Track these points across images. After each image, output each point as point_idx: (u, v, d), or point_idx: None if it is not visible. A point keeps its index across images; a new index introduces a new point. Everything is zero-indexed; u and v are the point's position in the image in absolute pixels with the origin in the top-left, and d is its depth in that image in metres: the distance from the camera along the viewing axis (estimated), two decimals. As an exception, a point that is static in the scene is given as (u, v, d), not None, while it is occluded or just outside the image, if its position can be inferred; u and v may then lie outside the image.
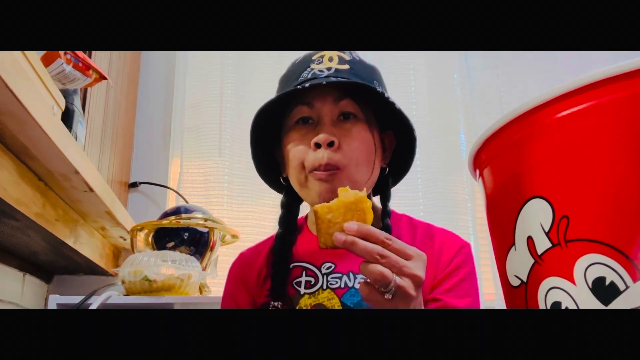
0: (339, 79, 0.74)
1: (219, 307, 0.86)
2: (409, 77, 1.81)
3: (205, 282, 1.30)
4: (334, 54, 0.78)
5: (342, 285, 0.74)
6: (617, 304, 0.54)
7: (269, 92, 0.84)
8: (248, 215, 1.63)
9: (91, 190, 0.98)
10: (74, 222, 1.12)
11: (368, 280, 0.57)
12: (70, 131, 0.98)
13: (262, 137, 0.82)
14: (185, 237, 1.28)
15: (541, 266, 0.62)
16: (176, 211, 1.32)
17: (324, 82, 0.73)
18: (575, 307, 0.57)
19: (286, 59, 0.86)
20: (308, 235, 0.82)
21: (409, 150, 0.82)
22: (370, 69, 0.80)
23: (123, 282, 1.13)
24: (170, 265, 1.13)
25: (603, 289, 0.55)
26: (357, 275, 0.74)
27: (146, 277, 1.10)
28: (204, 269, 1.29)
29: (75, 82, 1.02)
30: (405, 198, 1.65)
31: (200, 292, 1.28)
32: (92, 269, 1.42)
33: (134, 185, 1.69)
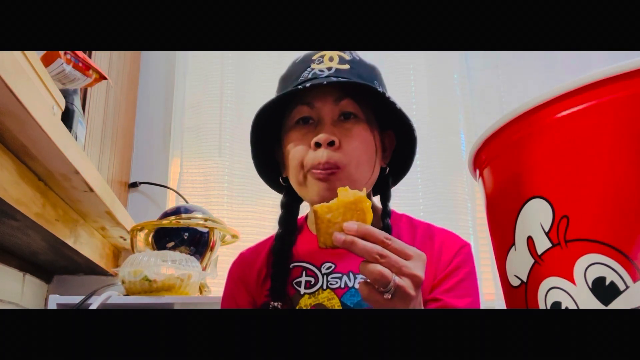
0: (340, 79, 0.74)
1: (219, 307, 0.86)
2: (409, 77, 1.81)
3: (205, 282, 1.30)
4: (335, 54, 0.78)
5: (342, 285, 0.74)
6: (617, 304, 0.54)
7: (269, 92, 0.84)
8: (248, 215, 1.63)
9: (91, 190, 0.98)
10: (74, 222, 1.12)
11: (368, 280, 0.58)
12: (70, 131, 0.98)
13: (262, 137, 0.82)
14: (185, 237, 1.28)
15: (541, 266, 0.62)
16: (176, 211, 1.32)
17: (325, 82, 0.73)
18: (575, 307, 0.57)
19: (286, 59, 0.86)
20: (308, 235, 0.82)
21: (409, 150, 0.82)
22: (370, 69, 0.80)
23: (123, 282, 1.13)
24: (170, 265, 1.13)
25: (603, 289, 0.55)
26: (357, 275, 0.74)
27: (146, 277, 1.10)
28: (204, 269, 1.29)
29: (75, 82, 1.02)
30: (405, 198, 1.65)
31: (200, 292, 1.28)
32: (92, 269, 1.42)
33: (134, 185, 1.69)
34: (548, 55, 1.84)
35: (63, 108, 0.87)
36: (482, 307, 0.79)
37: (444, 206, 1.66)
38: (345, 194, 0.60)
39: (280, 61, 1.68)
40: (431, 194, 1.68)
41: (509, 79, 1.86)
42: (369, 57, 0.83)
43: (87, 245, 1.23)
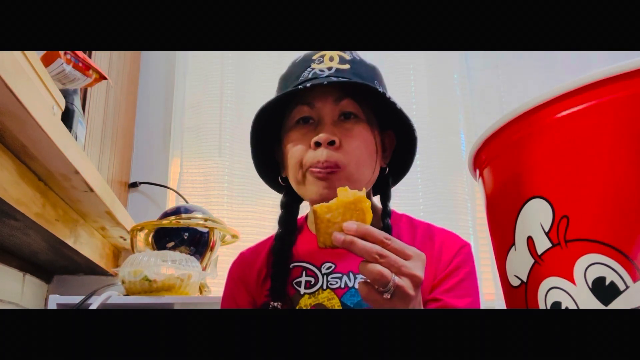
0: (340, 78, 0.74)
1: (219, 307, 0.86)
2: (409, 77, 1.81)
3: (205, 282, 1.30)
4: (335, 54, 0.78)
5: (342, 286, 0.74)
6: (617, 304, 0.54)
7: (269, 92, 0.84)
8: (248, 215, 1.63)
9: (91, 190, 0.98)
10: (74, 222, 1.12)
11: (367, 279, 0.58)
12: (70, 131, 0.98)
13: (262, 137, 0.82)
14: (185, 237, 1.28)
15: (541, 266, 0.62)
16: (176, 211, 1.32)
17: (325, 82, 0.73)
18: (575, 307, 0.57)
19: (286, 59, 0.86)
20: (308, 235, 0.82)
21: (409, 150, 0.82)
22: (370, 69, 0.80)
23: (123, 282, 1.13)
24: (170, 265, 1.13)
25: (603, 289, 0.55)
26: (357, 276, 0.74)
27: (146, 277, 1.10)
28: (204, 269, 1.29)
29: (75, 82, 1.02)
30: (405, 198, 1.65)
31: (200, 292, 1.28)
32: (92, 269, 1.42)
33: (134, 185, 1.69)
34: (548, 55, 1.84)
35: (63, 108, 0.87)
36: (482, 307, 0.79)
37: (444, 206, 1.66)
38: (345, 193, 0.60)
39: (280, 61, 1.68)
40: (431, 194, 1.68)
41: (509, 79, 1.86)
42: (369, 57, 0.83)
43: (87, 245, 1.23)
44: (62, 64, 0.97)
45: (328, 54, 0.78)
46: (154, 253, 1.17)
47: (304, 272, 0.77)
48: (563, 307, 0.58)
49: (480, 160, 0.74)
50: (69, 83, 1.01)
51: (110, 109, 1.49)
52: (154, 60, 1.84)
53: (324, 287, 0.75)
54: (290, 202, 0.84)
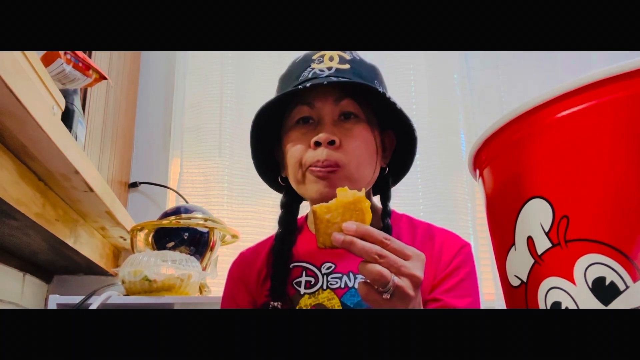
0: (340, 78, 0.74)
1: (219, 307, 0.86)
2: (409, 77, 1.81)
3: (205, 282, 1.30)
4: (335, 54, 0.78)
5: (342, 286, 0.74)
6: (617, 304, 0.54)
7: (269, 92, 0.84)
8: (248, 215, 1.63)
9: (91, 190, 0.98)
10: (74, 222, 1.12)
11: (367, 280, 0.58)
12: (70, 131, 0.98)
13: (262, 137, 0.82)
14: (185, 237, 1.28)
15: (541, 266, 0.62)
16: (176, 211, 1.32)
17: (325, 82, 0.73)
18: (575, 307, 0.57)
19: (286, 59, 0.86)
20: (308, 235, 0.82)
21: (409, 150, 0.82)
22: (370, 69, 0.80)
23: (123, 282, 1.13)
24: (170, 265, 1.13)
25: (603, 289, 0.55)
26: (357, 276, 0.74)
27: (146, 277, 1.10)
28: (204, 269, 1.29)
29: (75, 82, 1.02)
30: (405, 198, 1.65)
31: (200, 292, 1.28)
32: (92, 269, 1.42)
33: (134, 185, 1.69)
34: (548, 55, 1.84)
35: (63, 108, 0.87)
36: (482, 307, 0.79)
37: (444, 206, 1.66)
38: (345, 194, 0.60)
39: (280, 61, 1.68)
40: (431, 194, 1.68)
41: (509, 79, 1.86)
42: (369, 57, 0.83)
43: (87, 245, 1.23)
44: (62, 64, 0.97)
45: (328, 53, 0.78)
46: (154, 253, 1.17)
47: (304, 272, 0.77)
48: (563, 307, 0.58)
49: (480, 160, 0.74)
50: (69, 83, 1.01)
51: (110, 109, 1.49)
52: (154, 60, 1.84)
53: (324, 287, 0.75)
54: (290, 202, 0.84)
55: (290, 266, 0.78)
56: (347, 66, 0.77)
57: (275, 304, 0.74)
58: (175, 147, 1.73)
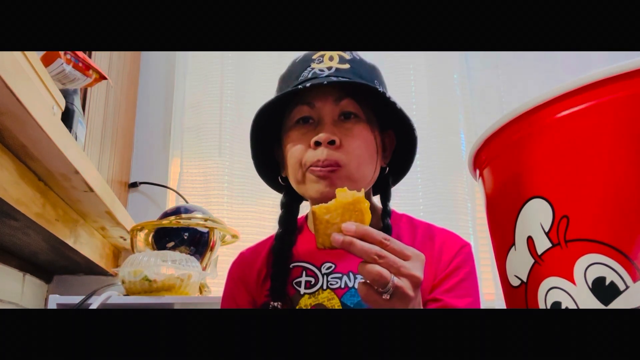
0: (340, 78, 0.74)
1: (219, 307, 0.86)
2: (409, 77, 1.81)
3: (205, 282, 1.30)
4: (335, 54, 0.78)
5: (342, 286, 0.74)
6: (617, 304, 0.54)
7: (269, 92, 0.84)
8: (248, 215, 1.63)
9: (91, 190, 0.98)
10: (74, 222, 1.12)
11: (366, 280, 0.57)
12: (70, 131, 0.98)
13: (262, 137, 0.82)
14: (185, 237, 1.28)
15: (541, 266, 0.62)
16: (176, 211, 1.32)
17: (325, 82, 0.73)
18: (575, 307, 0.57)
19: (286, 59, 0.86)
20: (308, 235, 0.82)
21: (409, 150, 0.82)
22: (370, 69, 0.80)
23: (123, 282, 1.13)
24: (170, 265, 1.13)
25: (603, 289, 0.55)
26: (357, 276, 0.74)
27: (146, 277, 1.10)
28: (204, 269, 1.29)
29: (75, 82, 1.02)
30: (405, 198, 1.65)
31: (200, 292, 1.28)
32: (92, 269, 1.42)
33: (134, 185, 1.69)
34: (548, 55, 1.84)
35: (63, 108, 0.87)
36: (482, 307, 0.79)
37: (444, 206, 1.66)
38: (344, 194, 0.60)
39: (280, 61, 1.68)
40: (431, 194, 1.68)
41: (509, 79, 1.86)
42: (369, 57, 0.83)
43: (87, 245, 1.23)
44: (62, 64, 0.97)
45: (328, 53, 0.78)
46: (154, 253, 1.17)
47: (304, 272, 0.77)
48: (563, 307, 0.58)
49: (480, 160, 0.74)
50: (69, 83, 1.01)
51: (110, 109, 1.49)
52: (154, 60, 1.84)
53: (324, 287, 0.75)
54: (290, 202, 0.84)
55: (290, 266, 0.78)
56: (347, 66, 0.77)
57: (275, 304, 0.74)
58: (175, 147, 1.73)
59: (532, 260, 0.63)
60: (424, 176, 1.70)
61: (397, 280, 0.56)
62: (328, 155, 0.73)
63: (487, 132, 0.69)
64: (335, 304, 0.73)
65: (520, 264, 0.65)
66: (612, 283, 0.54)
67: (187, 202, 1.58)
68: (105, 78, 1.08)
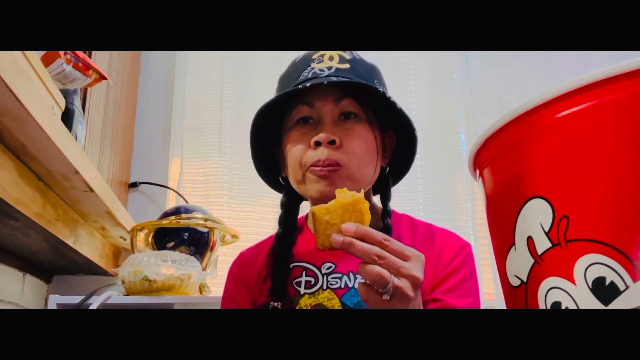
0: (340, 78, 0.74)
1: (219, 307, 0.86)
2: (409, 77, 1.81)
3: (205, 282, 1.30)
4: (335, 53, 0.78)
5: (342, 286, 0.74)
6: (617, 304, 0.54)
7: (269, 92, 0.84)
8: (248, 215, 1.63)
9: (91, 190, 0.98)
10: (74, 222, 1.12)
11: (366, 281, 0.57)
12: (70, 131, 0.98)
13: (262, 137, 0.82)
14: (185, 237, 1.28)
15: (541, 266, 0.62)
16: (176, 211, 1.32)
17: (325, 82, 0.73)
18: (575, 307, 0.57)
19: (286, 59, 0.86)
20: (308, 235, 0.82)
21: (409, 149, 0.82)
22: (370, 68, 0.80)
23: (123, 282, 1.13)
24: (170, 265, 1.13)
25: (603, 289, 0.55)
26: (357, 276, 0.74)
27: (146, 277, 1.10)
28: (204, 269, 1.29)
29: (75, 82, 1.02)
30: (405, 198, 1.65)
31: (200, 292, 1.28)
32: (92, 269, 1.42)
33: (134, 185, 1.69)
34: (548, 55, 1.84)
35: (63, 108, 0.87)
36: (482, 307, 0.79)
37: (444, 206, 1.66)
38: (344, 195, 0.60)
39: (280, 61, 1.68)
40: (431, 194, 1.68)
41: (509, 79, 1.86)
42: (369, 57, 0.83)
43: (87, 245, 1.23)
44: (62, 64, 0.97)
45: (328, 53, 0.78)
46: (154, 253, 1.17)
47: (304, 272, 0.77)
48: (563, 307, 0.58)
49: (480, 160, 0.74)
50: (69, 83, 1.01)
51: (110, 109, 1.49)
52: (154, 60, 1.84)
53: (324, 287, 0.75)
54: (290, 202, 0.84)
55: (290, 266, 0.78)
56: (347, 66, 0.77)
57: (275, 304, 0.74)
58: (175, 147, 1.73)
59: (532, 260, 0.63)
60: (424, 176, 1.70)
61: (397, 281, 0.56)
62: (328, 155, 0.72)
63: (487, 132, 0.69)
64: (335, 304, 0.73)
65: (520, 264, 0.65)
66: (612, 283, 0.54)
67: (187, 202, 1.58)
68: (105, 78, 1.08)
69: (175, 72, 1.79)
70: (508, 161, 0.68)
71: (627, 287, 0.53)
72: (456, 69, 1.81)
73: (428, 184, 1.69)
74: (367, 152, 0.75)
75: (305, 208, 0.84)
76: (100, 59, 1.38)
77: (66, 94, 0.97)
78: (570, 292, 0.58)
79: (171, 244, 1.27)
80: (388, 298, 0.56)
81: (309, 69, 0.77)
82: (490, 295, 1.60)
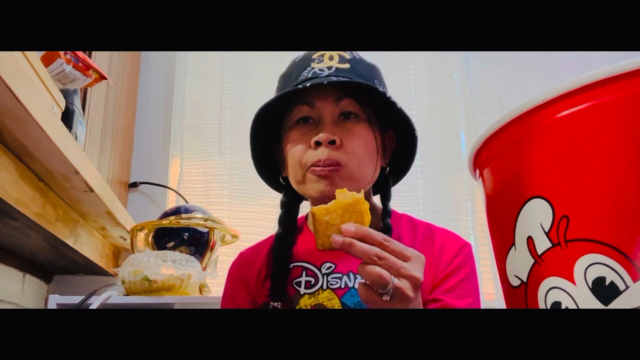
0: (340, 78, 0.74)
1: (219, 307, 0.86)
2: (409, 77, 1.81)
3: (205, 282, 1.30)
4: (335, 53, 0.78)
5: (342, 286, 0.74)
6: (617, 304, 0.54)
7: (269, 92, 0.84)
8: (248, 215, 1.63)
9: (91, 190, 0.98)
10: (74, 222, 1.12)
11: (366, 281, 0.57)
12: (70, 131, 0.98)
13: (262, 136, 0.82)
14: (185, 237, 1.28)
15: (541, 266, 0.62)
16: (176, 211, 1.32)
17: (325, 82, 0.73)
18: (575, 307, 0.57)
19: (286, 59, 0.86)
20: (308, 235, 0.82)
21: (409, 149, 0.82)
22: (370, 68, 0.80)
23: (123, 282, 1.13)
24: (170, 265, 1.13)
25: (603, 289, 0.55)
26: (357, 276, 0.74)
27: (146, 277, 1.10)
28: (204, 269, 1.29)
29: (75, 82, 1.02)
30: (405, 198, 1.65)
31: (200, 292, 1.28)
32: (92, 269, 1.42)
33: (134, 185, 1.69)
34: (548, 55, 1.84)
35: (63, 108, 0.87)
36: (482, 307, 0.79)
37: (444, 206, 1.66)
38: (344, 195, 0.60)
39: (280, 61, 1.68)
40: (431, 194, 1.68)
41: (509, 79, 1.86)
42: (369, 57, 0.83)
43: (87, 245, 1.23)
44: (62, 64, 0.97)
45: (328, 53, 0.78)
46: (154, 253, 1.17)
47: (304, 272, 0.77)
48: (563, 307, 0.58)
49: (480, 160, 0.74)
50: (69, 83, 1.01)
51: (110, 109, 1.49)
52: (154, 60, 1.84)
53: (324, 287, 0.75)
54: (290, 202, 0.83)
55: (290, 266, 0.78)
56: (347, 65, 0.77)
57: (275, 304, 0.74)
58: (175, 147, 1.73)
59: (532, 260, 0.63)
60: (424, 176, 1.70)
61: (397, 282, 0.56)
62: (329, 155, 0.72)
63: (487, 132, 0.69)
64: (335, 304, 0.73)
65: (520, 264, 0.65)
66: (612, 283, 0.54)
67: (187, 202, 1.58)
68: (105, 78, 1.08)
69: (175, 72, 1.79)
70: (508, 161, 0.68)
71: (627, 287, 0.53)
72: (456, 69, 1.81)
73: (428, 184, 1.69)
74: (367, 152, 0.75)
75: (305, 208, 0.84)
76: (100, 59, 1.38)
77: (66, 94, 0.97)
78: (570, 292, 0.58)
79: (171, 244, 1.27)
80: (388, 299, 0.56)
81: (309, 68, 0.77)
82: (490, 295, 1.60)
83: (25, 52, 0.71)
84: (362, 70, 0.78)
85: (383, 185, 0.82)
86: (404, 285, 0.56)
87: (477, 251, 1.58)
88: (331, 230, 0.60)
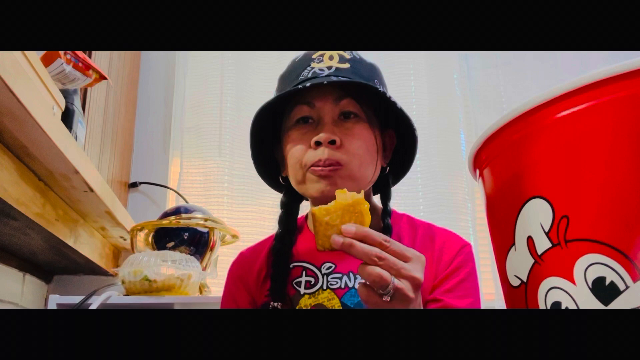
0: (340, 78, 0.74)
1: (219, 307, 0.86)
2: (409, 77, 1.81)
3: (205, 282, 1.30)
4: (335, 53, 0.78)
5: (343, 286, 0.74)
6: (617, 304, 0.54)
7: (269, 92, 0.84)
8: (248, 215, 1.63)
9: (91, 190, 0.98)
10: (74, 222, 1.12)
11: (366, 282, 0.57)
12: (70, 131, 0.98)
13: (261, 136, 0.82)
14: (185, 237, 1.28)
15: (541, 266, 0.61)
16: (176, 211, 1.32)
17: (325, 82, 0.73)
18: (575, 307, 0.57)
19: (286, 59, 0.86)
20: (308, 235, 0.82)
21: (409, 149, 0.82)
22: (371, 68, 0.80)
23: (123, 282, 1.13)
24: (170, 265, 1.13)
25: (603, 289, 0.55)
26: (357, 276, 0.74)
27: (146, 277, 1.10)
28: (204, 269, 1.29)
29: (75, 82, 1.02)
30: (405, 198, 1.65)
31: (200, 292, 1.28)
32: (92, 269, 1.42)
33: (134, 185, 1.69)
34: (548, 55, 1.84)
35: (63, 108, 0.87)
36: (482, 307, 0.79)
37: (444, 206, 1.66)
38: (344, 196, 0.60)
39: (280, 61, 1.68)
40: (431, 194, 1.68)
41: (509, 79, 1.86)
42: (369, 57, 0.83)
43: (87, 245, 1.23)
44: (62, 64, 0.97)
45: (328, 53, 0.78)
46: (154, 253, 1.17)
47: (304, 272, 0.77)
48: (563, 307, 0.58)
49: (480, 160, 0.74)
50: (69, 83, 1.01)
51: (110, 109, 1.49)
52: (154, 60, 1.84)
53: (324, 287, 0.75)
54: (290, 202, 0.83)
55: (290, 266, 0.78)
56: (347, 65, 0.77)
57: (275, 304, 0.74)
58: (175, 147, 1.73)
59: (532, 260, 0.63)
60: (424, 176, 1.70)
61: (397, 282, 0.56)
62: (329, 154, 0.72)
63: (487, 132, 0.69)
64: (336, 304, 0.73)
65: (520, 264, 0.65)
66: (612, 283, 0.54)
67: (187, 202, 1.58)
68: (105, 78, 1.08)
69: (175, 72, 1.79)
70: (508, 161, 0.68)
71: (627, 287, 0.53)
72: (456, 69, 1.81)
73: (428, 184, 1.69)
74: (367, 151, 0.75)
75: (305, 208, 0.84)
76: (100, 59, 1.38)
77: (66, 94, 0.97)
78: (570, 292, 0.58)
79: (171, 244, 1.27)
80: (388, 299, 0.56)
81: (308, 68, 0.77)
82: (490, 295, 1.60)
83: (25, 52, 0.71)
84: (362, 70, 0.78)
85: (383, 185, 0.82)
86: (404, 285, 0.56)
87: (477, 251, 1.58)
88: (331, 230, 0.59)
